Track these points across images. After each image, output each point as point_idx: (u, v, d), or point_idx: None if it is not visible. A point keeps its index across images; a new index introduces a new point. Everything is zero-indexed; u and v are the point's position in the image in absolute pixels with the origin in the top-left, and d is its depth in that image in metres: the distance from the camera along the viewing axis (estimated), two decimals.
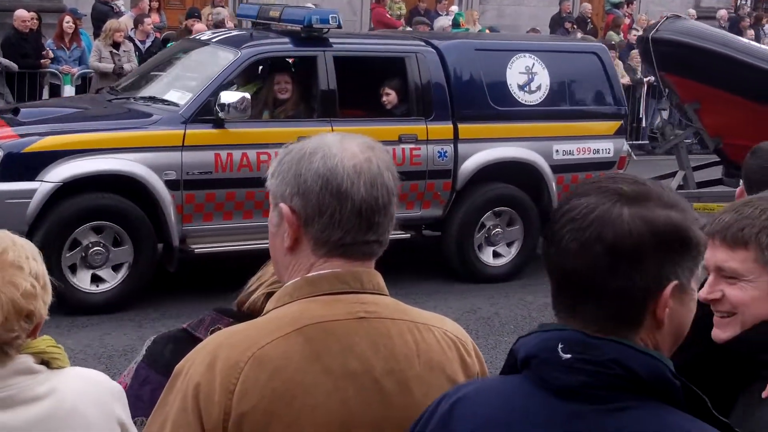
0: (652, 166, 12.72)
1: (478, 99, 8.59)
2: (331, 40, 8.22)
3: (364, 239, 1.73)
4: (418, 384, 1.73)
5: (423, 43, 8.68)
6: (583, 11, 19.22)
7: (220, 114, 7.39)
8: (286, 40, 8.24)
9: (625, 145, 9.39)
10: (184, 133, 7.37)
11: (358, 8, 18.97)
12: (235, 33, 8.97)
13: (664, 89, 11.20)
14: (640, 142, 15.52)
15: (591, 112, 9.14)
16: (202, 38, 8.83)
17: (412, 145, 8.24)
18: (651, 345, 1.51)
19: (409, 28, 15.07)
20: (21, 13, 12.53)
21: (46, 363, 2.00)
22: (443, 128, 8.42)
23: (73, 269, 7.20)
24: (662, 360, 1.49)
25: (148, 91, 8.03)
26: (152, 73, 8.51)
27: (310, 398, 1.66)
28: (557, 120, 8.95)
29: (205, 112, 7.48)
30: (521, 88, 8.80)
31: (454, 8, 17.63)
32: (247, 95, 7.44)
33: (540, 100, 8.88)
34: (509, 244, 8.86)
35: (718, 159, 11.57)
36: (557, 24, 18.14)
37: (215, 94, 7.46)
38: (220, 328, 2.09)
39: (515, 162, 8.72)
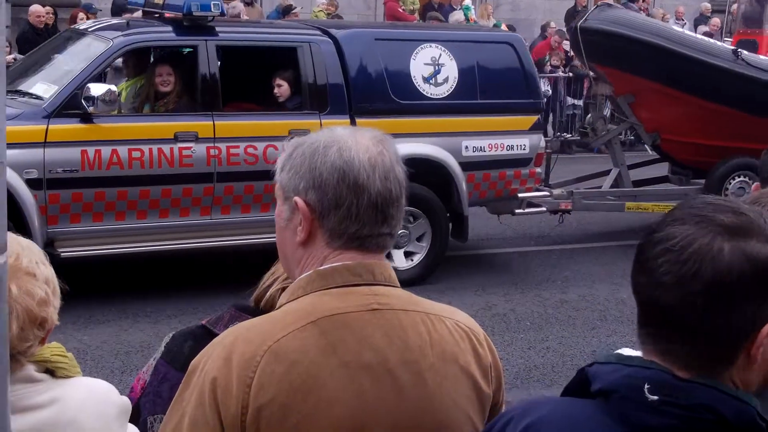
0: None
1: (379, 92, 8.32)
2: (217, 28, 7.96)
3: (379, 231, 1.78)
4: (432, 375, 1.77)
5: (318, 33, 8.41)
6: None
7: (88, 108, 7.13)
8: (168, 29, 7.96)
9: (542, 140, 9.13)
10: (47, 129, 7.11)
11: (372, 2, 19.05)
12: (113, 22, 8.70)
13: (592, 81, 10.94)
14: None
15: (504, 105, 8.85)
16: (81, 27, 8.56)
17: None
18: (740, 384, 1.49)
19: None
20: (36, 8, 12.73)
21: (51, 372, 2.00)
22: (339, 123, 8.15)
23: None
24: (750, 402, 1.46)
25: (16, 85, 7.77)
26: (31, 66, 8.24)
27: (327, 391, 1.69)
28: (466, 114, 8.69)
29: (72, 105, 7.21)
30: (426, 80, 8.54)
31: (468, 2, 17.55)
32: (114, 87, 7.18)
33: (447, 93, 8.61)
34: (409, 253, 8.59)
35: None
36: (572, 17, 17.92)
37: (82, 86, 7.20)
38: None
39: (420, 159, 8.43)
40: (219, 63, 7.81)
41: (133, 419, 2.20)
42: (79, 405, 2.00)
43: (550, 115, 15.58)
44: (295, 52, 8.10)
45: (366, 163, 1.75)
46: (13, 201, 6.99)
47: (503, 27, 15.40)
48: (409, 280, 8.40)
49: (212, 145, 7.61)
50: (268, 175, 8.00)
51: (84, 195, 7.24)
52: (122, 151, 7.29)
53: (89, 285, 7.47)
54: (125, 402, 2.14)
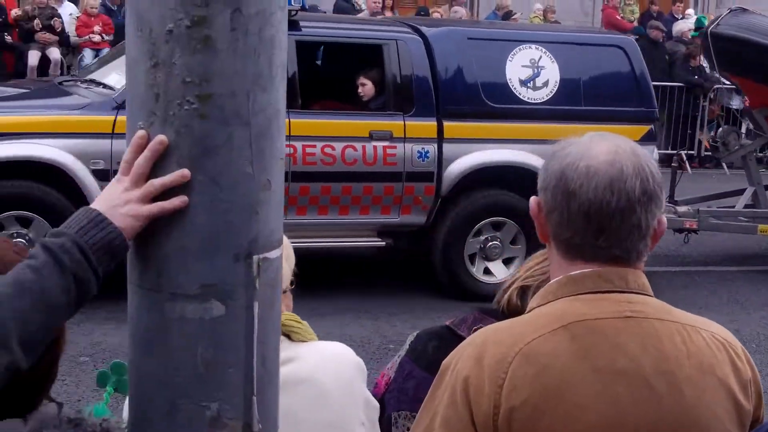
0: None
1: (470, 94, 8.05)
2: (301, 23, 7.92)
3: (595, 243, 1.78)
4: (689, 386, 1.76)
5: (408, 30, 8.23)
6: None
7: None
8: None
9: (655, 152, 8.60)
10: (115, 119, 7.21)
11: (590, 9, 19.32)
12: None
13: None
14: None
15: (612, 113, 8.37)
16: None
17: (386, 143, 7.79)
18: None
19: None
20: None
21: (287, 335, 2.10)
22: (425, 125, 7.93)
23: None
24: None
25: (95, 75, 7.96)
26: (115, 55, 8.45)
27: (579, 396, 1.71)
28: (568, 121, 8.25)
29: None
30: (524, 83, 8.21)
31: (690, 11, 17.26)
32: None
33: (547, 98, 8.25)
34: (507, 261, 8.27)
35: None
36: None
37: None
38: (482, 328, 2.21)
39: (514, 167, 8.12)
40: (302, 58, 7.76)
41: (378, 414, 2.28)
42: (314, 364, 2.09)
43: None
44: (381, 50, 7.95)
45: (583, 171, 1.76)
46: (78, 192, 7.15)
47: None
48: (493, 296, 8.10)
49: (287, 143, 7.53)
50: (346, 176, 7.87)
51: None
52: None
53: None
54: (361, 361, 2.20)
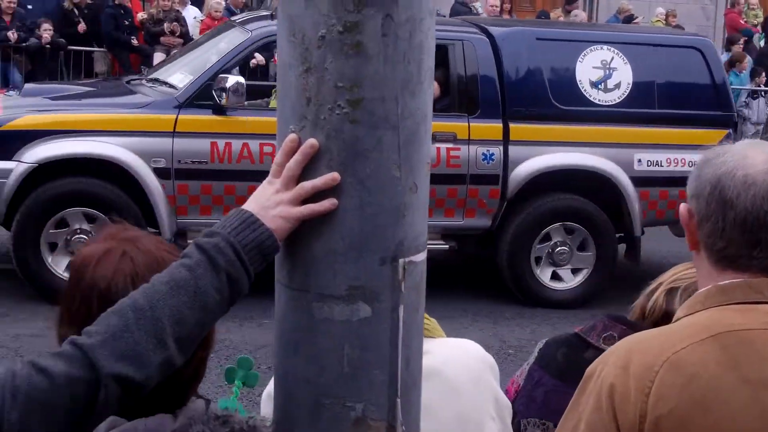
0: None
1: (538, 96, 7.88)
2: None
3: (750, 254, 1.76)
4: None
5: (475, 30, 8.09)
6: None
7: (219, 99, 7.14)
8: None
9: None
10: (176, 118, 7.16)
11: (711, 14, 19.20)
12: (259, 14, 8.72)
13: None
14: None
15: (687, 116, 8.17)
16: (234, 19, 8.67)
17: (450, 145, 7.65)
18: None
19: None
20: None
21: None
22: (490, 127, 7.78)
23: (53, 248, 7.19)
24: None
25: (159, 73, 7.91)
26: (182, 54, 8.41)
27: (728, 407, 1.69)
28: (641, 124, 8.09)
29: (204, 96, 7.25)
30: (594, 85, 8.02)
31: None
32: (241, 79, 7.15)
33: (619, 100, 8.05)
34: (575, 270, 8.09)
35: None
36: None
37: (215, 77, 7.23)
38: (613, 335, 2.27)
39: (584, 171, 7.94)
40: None
41: None
42: (444, 358, 2.08)
43: None
44: (446, 50, 7.81)
45: (740, 180, 1.73)
46: (139, 189, 7.10)
47: None
48: (561, 303, 7.96)
49: None
50: None
51: (213, 187, 7.24)
52: (253, 144, 7.23)
53: None
54: (491, 358, 2.20)
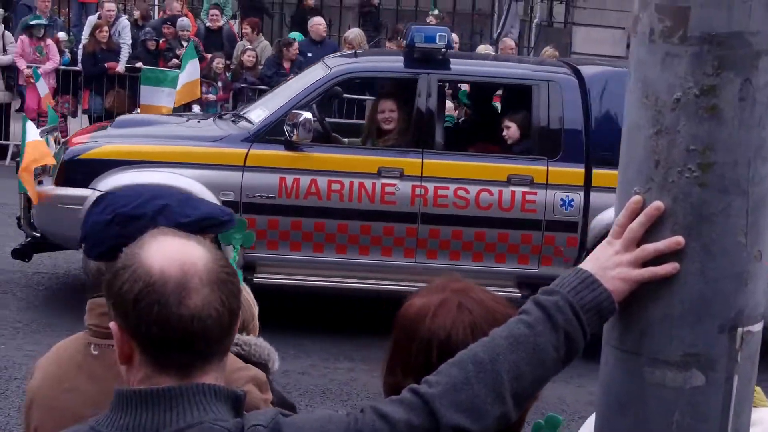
0: None
1: None
2: (451, 61, 7.91)
3: None
4: None
5: (564, 70, 8.03)
6: None
7: (290, 135, 7.42)
8: (395, 60, 8.06)
9: None
10: (247, 153, 7.49)
11: None
12: (348, 51, 8.95)
13: None
14: None
15: None
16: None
17: (525, 189, 7.63)
18: None
19: None
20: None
21: None
22: (571, 172, 7.69)
23: None
24: None
25: (248, 109, 8.29)
26: (272, 90, 8.77)
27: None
28: None
29: (276, 131, 7.55)
30: None
31: None
32: (309, 115, 7.39)
33: None
34: None
35: None
36: None
37: (289, 112, 7.51)
38: None
39: None
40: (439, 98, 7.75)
41: None
42: None
43: None
44: (530, 90, 7.80)
45: None
46: None
47: None
48: None
49: (418, 183, 7.56)
50: (479, 221, 7.73)
51: (280, 222, 7.53)
52: (321, 181, 7.48)
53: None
54: None
